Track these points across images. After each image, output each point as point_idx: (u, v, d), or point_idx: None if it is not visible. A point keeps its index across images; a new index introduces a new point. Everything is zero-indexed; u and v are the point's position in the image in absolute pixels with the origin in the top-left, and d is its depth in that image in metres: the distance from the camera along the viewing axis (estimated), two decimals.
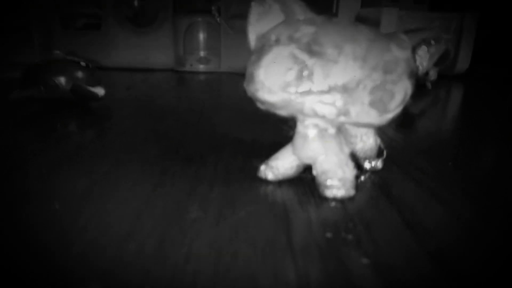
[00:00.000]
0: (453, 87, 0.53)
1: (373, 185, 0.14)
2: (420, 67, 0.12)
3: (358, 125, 0.12)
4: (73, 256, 0.10)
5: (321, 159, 0.13)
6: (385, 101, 0.11)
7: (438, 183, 0.15)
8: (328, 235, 0.11)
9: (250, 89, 0.12)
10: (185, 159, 0.17)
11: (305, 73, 0.11)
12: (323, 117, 0.12)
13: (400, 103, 0.12)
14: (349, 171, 0.13)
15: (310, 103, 0.11)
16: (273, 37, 0.12)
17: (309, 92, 0.11)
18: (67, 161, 0.17)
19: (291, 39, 0.11)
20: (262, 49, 0.12)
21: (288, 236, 0.11)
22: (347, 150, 0.13)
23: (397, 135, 0.23)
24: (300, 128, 0.13)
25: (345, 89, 0.11)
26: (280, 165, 0.14)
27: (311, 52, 0.11)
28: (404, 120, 0.28)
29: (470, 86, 0.54)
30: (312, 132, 0.12)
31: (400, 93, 0.11)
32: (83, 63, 0.29)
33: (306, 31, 0.11)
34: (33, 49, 0.66)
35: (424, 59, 0.12)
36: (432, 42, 0.13)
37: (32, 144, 0.19)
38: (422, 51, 0.12)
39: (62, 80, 0.27)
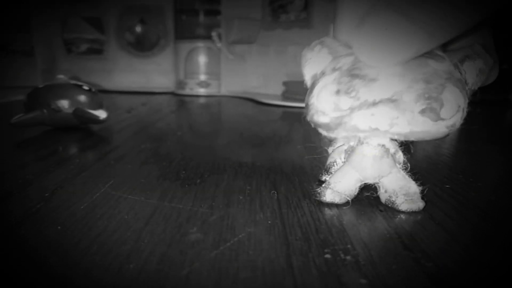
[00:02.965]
0: None
1: (371, 207, 0.15)
2: (469, 83, 0.13)
3: (416, 136, 0.12)
4: (76, 277, 0.10)
5: (390, 177, 0.14)
6: (435, 108, 0.12)
7: (435, 206, 0.15)
8: (327, 256, 0.11)
9: (308, 117, 0.13)
10: (185, 181, 0.17)
11: (350, 92, 0.12)
12: (376, 129, 0.12)
13: (456, 112, 0.12)
14: (414, 185, 0.14)
15: (362, 118, 0.12)
16: (321, 72, 0.13)
17: (358, 107, 0.12)
18: (69, 183, 0.17)
19: (334, 69, 0.13)
20: (314, 84, 0.13)
21: (287, 258, 0.11)
22: (398, 166, 0.14)
23: None
24: (365, 149, 0.14)
25: (391, 101, 0.12)
26: (345, 188, 0.14)
27: (353, 76, 0.12)
28: (402, 142, 0.29)
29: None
30: (379, 152, 0.13)
31: (449, 100, 0.12)
32: (85, 87, 0.29)
33: (345, 61, 0.13)
34: (37, 73, 0.67)
35: (470, 74, 0.13)
36: (475, 56, 0.13)
37: (34, 166, 0.20)
38: (467, 66, 0.13)
39: (64, 103, 0.28)
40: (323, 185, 0.15)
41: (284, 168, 0.20)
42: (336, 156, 0.16)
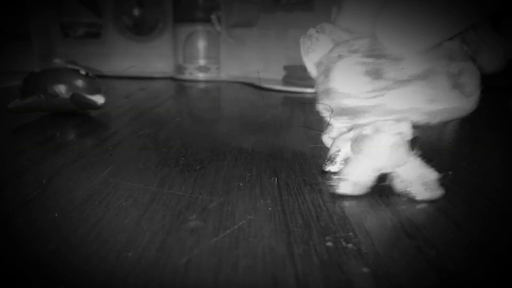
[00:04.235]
0: None
1: (372, 195, 0.14)
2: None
3: (450, 113, 0.12)
4: (74, 265, 0.10)
5: (407, 165, 0.13)
6: (465, 83, 0.12)
7: None
8: (329, 244, 0.11)
9: (330, 103, 0.13)
10: (185, 168, 0.17)
11: (381, 72, 0.12)
12: (413, 108, 0.12)
13: (478, 87, 0.12)
14: (432, 173, 0.14)
15: (397, 97, 0.12)
16: (335, 55, 0.12)
17: (390, 87, 0.12)
18: (66, 169, 0.17)
19: (352, 52, 0.12)
20: (327, 69, 0.13)
21: (288, 245, 0.11)
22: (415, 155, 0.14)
23: None
24: (383, 138, 0.13)
25: (424, 77, 0.11)
26: (361, 178, 0.14)
27: (376, 56, 0.12)
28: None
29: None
30: (398, 140, 0.13)
31: (473, 76, 0.12)
32: (83, 72, 0.29)
33: (362, 43, 0.12)
34: (33, 58, 0.66)
35: (472, 48, 0.13)
36: (474, 37, 0.12)
37: (31, 152, 0.19)
38: (471, 39, 0.12)
39: (62, 88, 0.27)
40: (337, 177, 0.14)
41: (285, 154, 0.19)
42: (340, 145, 0.15)
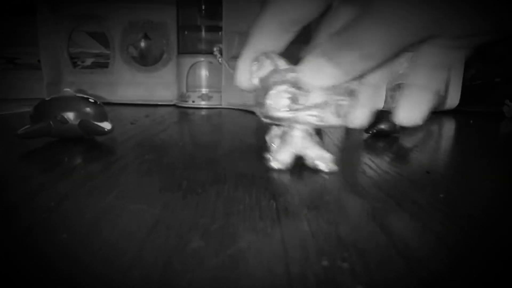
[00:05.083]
0: (444, 122, 0.55)
1: (367, 216, 0.15)
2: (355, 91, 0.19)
3: (327, 126, 0.20)
4: (81, 285, 0.10)
5: (310, 149, 0.21)
6: (339, 112, 0.19)
7: (430, 214, 0.15)
8: (325, 263, 0.11)
9: (263, 111, 0.19)
10: (187, 192, 0.18)
11: (296, 99, 0.19)
12: (309, 123, 0.20)
13: (347, 112, 0.19)
14: (327, 153, 0.22)
15: (302, 115, 0.19)
16: (272, 81, 0.19)
17: (301, 109, 0.19)
18: (74, 193, 0.17)
19: (284, 82, 0.19)
20: (267, 88, 0.19)
21: (286, 265, 0.11)
22: (318, 143, 0.22)
23: (391, 168, 0.23)
24: (292, 131, 0.21)
25: (319, 106, 0.19)
26: (284, 158, 0.21)
27: (297, 87, 0.18)
28: (398, 154, 0.29)
29: (461, 121, 0.56)
30: (305, 134, 0.21)
31: (347, 106, 0.19)
32: (91, 100, 0.30)
33: (291, 76, 0.19)
34: (43, 86, 0.68)
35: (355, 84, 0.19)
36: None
37: (40, 176, 0.20)
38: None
39: (70, 115, 0.28)
40: (269, 157, 0.22)
41: (283, 178, 0.20)
42: (273, 139, 0.23)
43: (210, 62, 0.68)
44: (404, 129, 0.40)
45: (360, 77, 0.18)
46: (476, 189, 0.20)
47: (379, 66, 0.16)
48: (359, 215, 0.15)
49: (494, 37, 0.15)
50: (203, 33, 0.70)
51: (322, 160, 0.21)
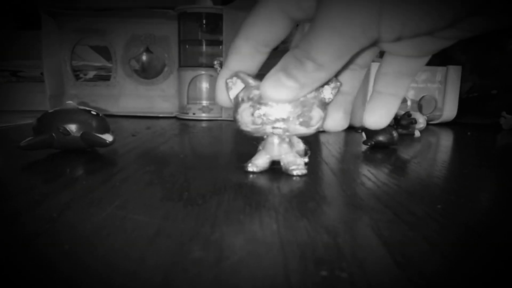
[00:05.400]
0: (442, 134, 0.55)
1: (365, 226, 0.15)
2: (327, 99, 0.20)
3: (297, 135, 0.22)
4: None
5: (285, 155, 0.24)
6: (307, 122, 0.20)
7: (427, 225, 0.15)
8: (324, 273, 0.11)
9: (237, 125, 0.22)
10: (188, 202, 0.18)
11: (260, 115, 0.20)
12: (277, 134, 0.22)
13: (318, 121, 0.21)
14: (301, 160, 0.24)
15: (268, 128, 0.21)
16: (240, 98, 0.21)
17: (266, 123, 0.21)
18: (76, 203, 0.18)
19: (249, 99, 0.20)
20: (237, 104, 0.21)
21: (286, 275, 0.11)
22: (294, 150, 0.24)
23: (389, 180, 0.24)
24: (270, 139, 0.23)
25: (283, 120, 0.20)
26: (261, 163, 0.24)
27: (261, 103, 0.20)
28: (396, 165, 0.30)
29: (458, 133, 0.56)
30: (279, 141, 0.23)
31: (315, 116, 0.20)
32: (93, 112, 0.31)
33: (255, 93, 0.20)
34: (46, 99, 0.69)
35: (327, 94, 0.20)
36: (330, 83, 0.20)
37: (42, 187, 0.20)
38: (325, 89, 0.20)
39: (73, 127, 0.29)
40: (248, 162, 0.24)
41: (282, 189, 0.20)
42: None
43: (211, 75, 0.69)
44: (402, 141, 0.40)
45: (321, 87, 0.20)
46: (473, 199, 0.21)
47: (333, 74, 0.17)
48: (358, 226, 0.15)
49: (449, 39, 0.16)
50: (204, 47, 0.71)
51: (295, 165, 0.23)
